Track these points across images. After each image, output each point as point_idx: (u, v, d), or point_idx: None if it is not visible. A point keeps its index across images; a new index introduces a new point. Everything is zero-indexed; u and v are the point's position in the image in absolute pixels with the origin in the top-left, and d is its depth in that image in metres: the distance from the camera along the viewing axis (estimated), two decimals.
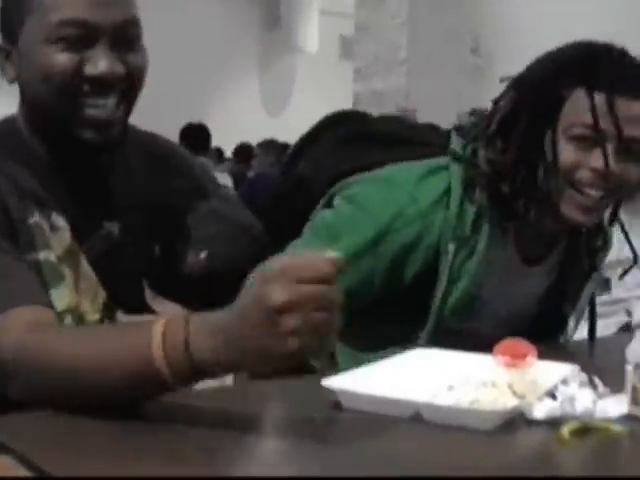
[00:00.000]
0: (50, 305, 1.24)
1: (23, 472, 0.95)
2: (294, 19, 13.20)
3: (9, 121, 1.40)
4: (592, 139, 1.53)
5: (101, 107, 1.31)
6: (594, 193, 1.56)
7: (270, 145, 7.92)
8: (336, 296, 0.99)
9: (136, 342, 1.06)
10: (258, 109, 13.10)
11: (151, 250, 1.42)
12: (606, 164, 1.53)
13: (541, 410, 1.15)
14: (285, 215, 1.72)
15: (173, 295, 1.41)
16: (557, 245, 1.76)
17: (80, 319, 1.30)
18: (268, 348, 0.98)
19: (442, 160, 1.66)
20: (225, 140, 8.97)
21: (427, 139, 1.74)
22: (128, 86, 1.33)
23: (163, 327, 1.04)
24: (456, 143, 1.68)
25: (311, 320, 0.97)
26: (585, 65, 1.56)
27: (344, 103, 10.26)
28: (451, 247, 1.59)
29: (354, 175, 1.68)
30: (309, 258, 1.00)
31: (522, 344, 1.32)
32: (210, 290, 1.43)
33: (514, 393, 1.20)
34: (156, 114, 1.40)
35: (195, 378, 1.07)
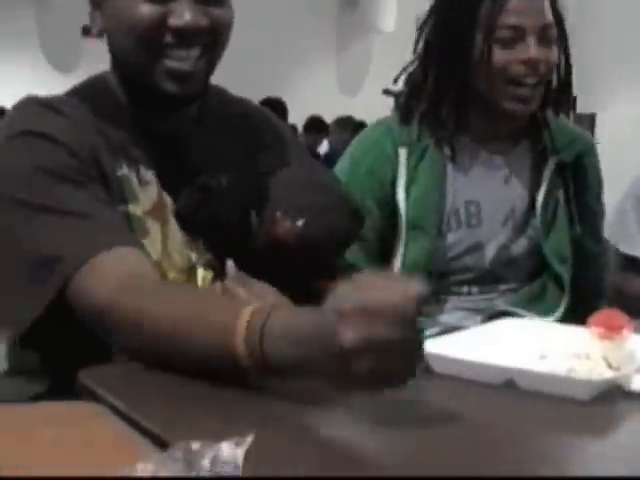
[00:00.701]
0: (143, 247, 1.24)
1: (112, 420, 0.95)
2: None
3: (100, 77, 1.40)
4: (513, 37, 1.74)
5: (183, 59, 1.30)
6: (529, 81, 1.76)
7: (346, 122, 7.90)
8: (416, 338, 0.92)
9: (223, 322, 1.03)
10: (334, 88, 13.08)
11: (246, 213, 1.40)
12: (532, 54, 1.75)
13: (638, 382, 1.11)
14: None
15: (263, 265, 1.38)
16: (522, 141, 1.93)
17: (162, 275, 1.29)
18: (335, 382, 0.93)
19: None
20: (300, 117, 8.96)
21: None
22: (211, 40, 1.32)
23: (249, 315, 1.01)
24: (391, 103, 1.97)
25: (385, 364, 0.89)
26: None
27: None
28: (402, 151, 1.83)
29: None
30: (388, 294, 0.90)
31: (618, 316, 1.28)
32: (303, 260, 1.41)
33: (609, 365, 1.17)
34: (234, 88, 1.41)
35: (271, 375, 1.02)
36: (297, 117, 8.70)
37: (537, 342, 1.27)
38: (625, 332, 1.25)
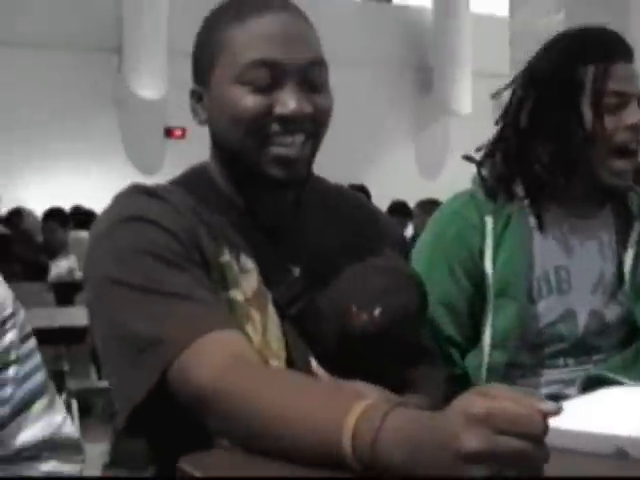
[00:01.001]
0: (244, 332, 1.24)
1: None
2: (447, 82, 13.26)
3: (200, 167, 1.43)
4: (618, 103, 1.73)
5: (289, 145, 1.32)
6: (633, 147, 1.74)
7: (429, 205, 7.88)
8: (541, 457, 0.89)
9: (330, 418, 1.02)
10: (413, 172, 13.15)
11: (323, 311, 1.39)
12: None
13: None
14: None
15: (343, 357, 1.37)
16: (606, 204, 1.88)
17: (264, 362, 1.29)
18: None
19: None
20: (382, 202, 9.00)
21: None
22: (314, 126, 1.34)
23: (357, 417, 0.99)
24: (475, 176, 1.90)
25: (500, 476, 0.86)
26: (591, 44, 1.77)
27: None
28: (488, 219, 1.78)
29: None
30: (517, 406, 0.88)
31: None
32: (383, 346, 1.40)
33: None
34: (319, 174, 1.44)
35: (380, 474, 0.98)
36: (379, 202, 8.75)
37: None
38: None
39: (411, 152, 13.58)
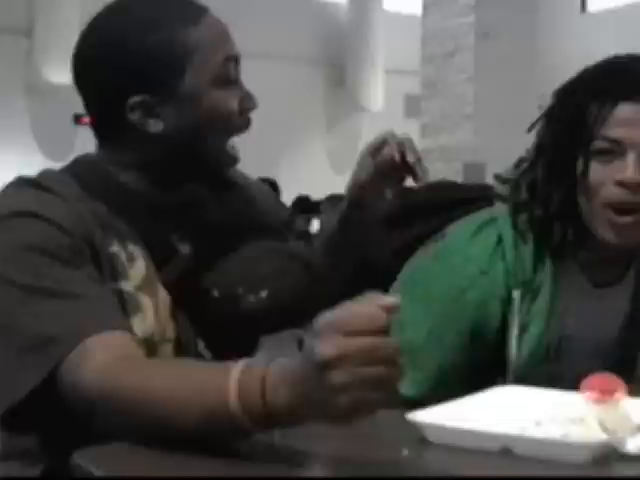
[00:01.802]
0: (130, 330, 1.24)
1: None
2: (359, 79, 13.32)
3: (89, 157, 1.41)
4: (611, 151, 1.50)
5: (234, 147, 1.41)
6: (626, 207, 1.50)
7: (337, 200, 7.93)
8: (391, 346, 0.96)
9: (214, 387, 1.06)
10: (325, 167, 13.19)
11: (211, 291, 1.42)
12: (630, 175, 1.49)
13: (635, 444, 1.12)
14: None
15: (232, 336, 1.41)
16: (631, 267, 1.67)
17: (154, 348, 1.31)
18: (323, 404, 0.96)
19: (489, 212, 1.64)
20: (292, 197, 9.02)
21: (472, 196, 1.75)
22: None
23: (239, 374, 1.04)
24: (500, 188, 1.66)
25: (361, 375, 0.94)
26: (596, 77, 1.57)
27: None
28: (516, 294, 1.56)
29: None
30: (359, 307, 0.96)
31: (611, 379, 1.29)
32: (271, 326, 1.45)
33: (605, 429, 1.17)
34: None
35: (271, 425, 1.05)
36: (290, 197, 8.77)
37: (532, 409, 1.27)
38: (618, 395, 1.26)
39: (323, 147, 13.62)
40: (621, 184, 1.49)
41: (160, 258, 1.35)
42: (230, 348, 1.30)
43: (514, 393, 1.37)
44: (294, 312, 1.46)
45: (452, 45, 8.22)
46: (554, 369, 1.62)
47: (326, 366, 0.93)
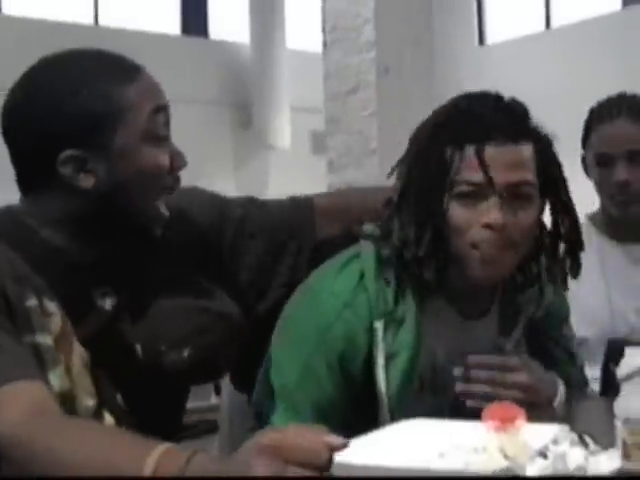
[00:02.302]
0: (46, 383, 1.23)
1: None
2: (265, 117, 13.39)
3: (9, 213, 1.40)
4: (475, 194, 1.53)
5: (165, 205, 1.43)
6: (488, 248, 1.54)
7: None
8: None
9: (132, 462, 1.05)
10: None
11: (134, 347, 1.42)
12: (494, 217, 1.52)
13: (533, 469, 1.15)
14: None
15: (155, 386, 1.41)
16: (496, 298, 1.73)
17: (72, 404, 1.30)
18: None
19: (354, 248, 1.66)
20: None
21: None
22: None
23: (156, 460, 1.03)
24: (367, 227, 1.68)
25: None
26: (455, 121, 1.57)
27: None
28: (378, 324, 1.58)
29: None
30: (307, 439, 0.98)
31: (510, 407, 1.32)
32: (191, 381, 1.45)
33: (506, 456, 1.20)
34: None
35: None
36: None
37: (435, 440, 1.30)
38: (518, 422, 1.29)
39: (231, 187, 13.61)
40: (488, 226, 1.52)
41: (78, 314, 1.34)
42: (148, 403, 1.30)
43: (418, 425, 1.39)
44: (214, 367, 1.48)
45: (354, 82, 8.32)
46: (432, 401, 1.66)
47: None
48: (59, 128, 1.34)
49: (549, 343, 1.79)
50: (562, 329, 1.81)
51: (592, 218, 2.28)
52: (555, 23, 12.09)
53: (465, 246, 1.55)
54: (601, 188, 2.14)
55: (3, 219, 1.38)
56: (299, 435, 0.98)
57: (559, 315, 1.81)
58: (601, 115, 2.15)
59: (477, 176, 1.51)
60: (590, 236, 2.14)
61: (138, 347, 1.41)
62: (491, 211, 1.51)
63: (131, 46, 12.65)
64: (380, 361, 1.58)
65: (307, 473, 0.95)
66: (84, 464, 1.08)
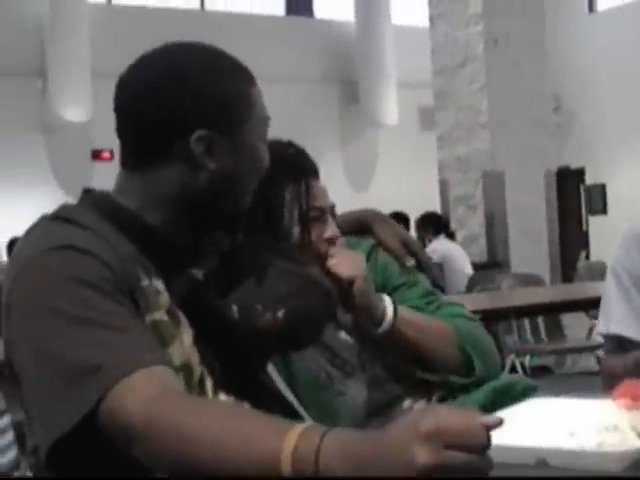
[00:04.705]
0: (170, 364, 1.26)
1: None
2: (373, 94, 13.37)
3: (104, 194, 1.43)
4: (318, 217, 1.77)
5: None
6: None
7: None
8: (484, 466, 0.97)
9: (268, 445, 1.06)
10: (343, 185, 13.21)
11: (230, 309, 1.46)
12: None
13: None
14: None
15: (249, 352, 1.44)
16: None
17: (190, 374, 1.32)
18: None
19: None
20: None
21: None
22: None
23: (296, 440, 1.04)
24: None
25: None
26: (283, 163, 1.73)
27: (429, 172, 10.32)
28: None
29: None
30: (464, 422, 0.97)
31: None
32: (285, 345, 1.48)
33: (638, 434, 1.18)
34: None
35: None
36: None
37: (566, 420, 1.29)
38: None
39: (340, 165, 13.66)
40: (329, 241, 1.75)
41: (171, 284, 1.38)
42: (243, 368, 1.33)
43: (547, 404, 1.38)
44: (309, 334, 1.50)
45: (462, 55, 8.24)
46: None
47: (420, 472, 0.94)
48: (199, 106, 1.38)
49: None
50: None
51: None
52: None
53: (313, 258, 1.72)
54: None
55: (104, 202, 1.42)
56: (455, 417, 0.98)
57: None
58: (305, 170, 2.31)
59: (319, 201, 1.78)
60: None
61: (234, 308, 1.44)
62: (329, 228, 1.77)
63: (238, 29, 12.83)
64: None
65: (466, 457, 0.94)
66: (219, 441, 1.09)
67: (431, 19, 8.70)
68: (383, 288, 1.83)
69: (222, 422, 1.13)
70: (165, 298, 1.34)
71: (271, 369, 1.59)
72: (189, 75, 1.39)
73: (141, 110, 1.39)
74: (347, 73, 13.57)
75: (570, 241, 12.14)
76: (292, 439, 1.03)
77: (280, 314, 1.43)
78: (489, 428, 0.97)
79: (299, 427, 1.05)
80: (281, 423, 1.10)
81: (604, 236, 10.51)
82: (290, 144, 1.84)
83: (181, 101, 1.37)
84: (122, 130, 1.42)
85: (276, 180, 1.71)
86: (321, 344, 1.70)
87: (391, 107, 13.51)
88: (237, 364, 1.42)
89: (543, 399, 1.43)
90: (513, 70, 8.07)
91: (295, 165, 1.81)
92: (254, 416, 1.18)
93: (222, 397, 1.36)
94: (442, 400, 1.70)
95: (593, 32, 11.98)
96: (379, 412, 1.68)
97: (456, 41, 8.35)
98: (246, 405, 1.35)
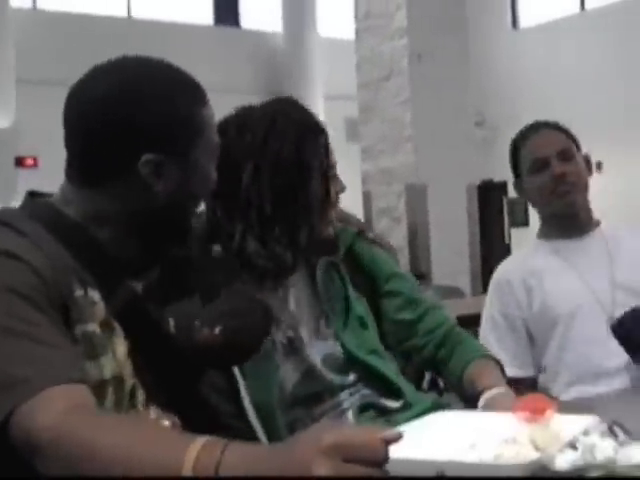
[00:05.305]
0: (85, 381, 1.26)
1: None
2: None
3: (46, 208, 1.41)
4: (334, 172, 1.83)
5: None
6: None
7: None
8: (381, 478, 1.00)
9: (171, 459, 1.08)
10: None
11: (166, 322, 1.47)
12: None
13: (563, 461, 1.16)
14: None
15: (184, 365, 1.45)
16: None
17: (121, 386, 1.33)
18: None
19: None
20: None
21: None
22: None
23: (197, 453, 1.06)
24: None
25: None
26: (255, 141, 1.74)
27: (352, 183, 10.36)
28: None
29: None
30: (364, 437, 1.01)
31: (541, 399, 1.34)
32: (220, 359, 1.50)
33: (536, 447, 1.22)
34: None
35: None
36: None
37: (468, 432, 1.31)
38: (548, 414, 1.31)
39: None
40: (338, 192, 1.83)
41: (109, 295, 1.38)
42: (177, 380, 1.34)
43: (451, 417, 1.41)
44: (245, 350, 1.52)
45: (387, 69, 8.31)
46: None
47: None
48: (148, 128, 1.37)
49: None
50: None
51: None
52: (589, 5, 11.98)
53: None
54: (540, 192, 2.39)
55: (47, 212, 1.40)
56: (354, 432, 1.02)
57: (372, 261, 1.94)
58: (525, 135, 2.47)
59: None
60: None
61: (172, 321, 1.45)
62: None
63: (164, 37, 12.70)
64: None
65: (364, 470, 0.98)
66: (124, 458, 1.10)
67: (357, 32, 8.75)
68: (373, 280, 1.88)
69: (128, 438, 1.14)
70: (100, 309, 1.34)
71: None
72: (140, 96, 1.38)
73: (89, 128, 1.38)
74: (275, 84, 13.57)
75: (492, 253, 12.30)
76: (194, 452, 1.05)
77: (217, 330, 1.45)
78: (389, 442, 1.00)
79: (201, 440, 1.07)
80: (185, 437, 1.12)
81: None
82: (296, 101, 1.86)
83: (130, 123, 1.36)
84: (70, 145, 1.41)
85: (302, 139, 1.77)
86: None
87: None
88: (172, 376, 1.43)
89: (448, 412, 1.46)
90: (437, 84, 8.15)
91: (314, 122, 1.84)
92: (159, 431, 1.21)
93: (152, 410, 1.37)
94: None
95: (516, 48, 12.19)
96: (306, 402, 1.70)
97: (381, 55, 8.42)
98: (175, 418, 1.37)
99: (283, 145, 1.73)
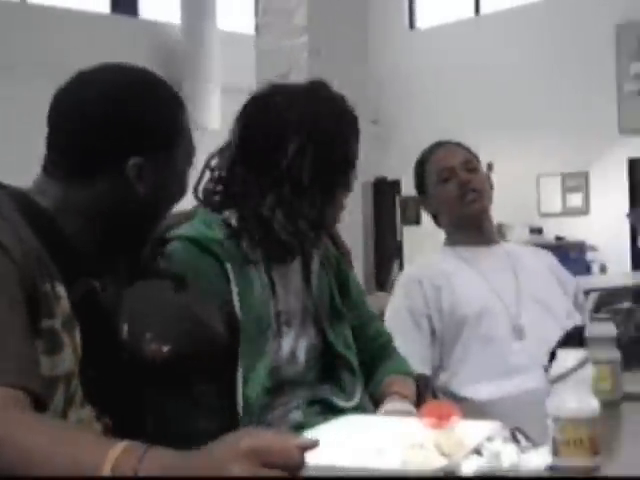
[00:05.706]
0: (29, 388, 1.24)
1: None
2: (196, 98, 13.32)
3: (20, 196, 1.40)
4: None
5: None
6: None
7: None
8: None
9: (92, 462, 1.09)
10: None
11: (119, 326, 1.46)
12: None
13: (469, 467, 1.19)
14: None
15: (130, 371, 1.45)
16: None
17: (70, 383, 1.33)
18: None
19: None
20: None
21: None
22: None
23: (117, 457, 1.08)
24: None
25: None
26: (306, 117, 1.74)
27: None
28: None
29: None
30: (281, 443, 1.04)
31: (446, 405, 1.37)
32: (164, 374, 1.49)
33: (442, 453, 1.24)
34: None
35: None
36: None
37: (375, 437, 1.33)
38: (454, 420, 1.33)
39: None
40: None
41: (72, 293, 1.37)
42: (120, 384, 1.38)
43: (358, 421, 1.43)
44: (190, 375, 1.53)
45: (286, 65, 8.33)
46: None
47: None
48: (133, 133, 1.41)
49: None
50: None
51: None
52: (484, 10, 12.20)
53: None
54: (448, 200, 2.48)
55: (20, 198, 1.40)
56: (272, 438, 1.05)
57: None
58: (430, 151, 2.59)
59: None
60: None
61: (125, 327, 1.45)
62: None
63: (60, 24, 12.49)
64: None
65: (281, 474, 1.01)
66: (48, 459, 1.11)
67: (257, 28, 8.74)
68: (342, 298, 1.87)
69: (52, 440, 1.15)
70: (65, 304, 1.35)
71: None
72: (124, 103, 1.41)
73: (73, 130, 1.41)
74: (172, 75, 13.45)
75: (385, 251, 12.45)
76: (113, 456, 1.08)
77: (165, 349, 1.45)
78: (305, 449, 1.05)
79: (121, 445, 1.09)
80: (106, 441, 1.14)
81: (417, 246, 10.85)
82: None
83: (115, 127, 1.40)
84: (51, 142, 1.44)
85: (347, 125, 1.81)
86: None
87: (214, 111, 13.49)
88: (115, 379, 1.42)
89: (355, 416, 1.48)
90: (334, 81, 8.21)
91: (352, 110, 1.85)
92: (82, 434, 1.22)
93: (87, 409, 1.37)
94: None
95: (412, 48, 12.33)
96: (281, 389, 1.70)
97: (280, 50, 8.41)
98: (107, 421, 1.39)
99: (333, 126, 1.75)
